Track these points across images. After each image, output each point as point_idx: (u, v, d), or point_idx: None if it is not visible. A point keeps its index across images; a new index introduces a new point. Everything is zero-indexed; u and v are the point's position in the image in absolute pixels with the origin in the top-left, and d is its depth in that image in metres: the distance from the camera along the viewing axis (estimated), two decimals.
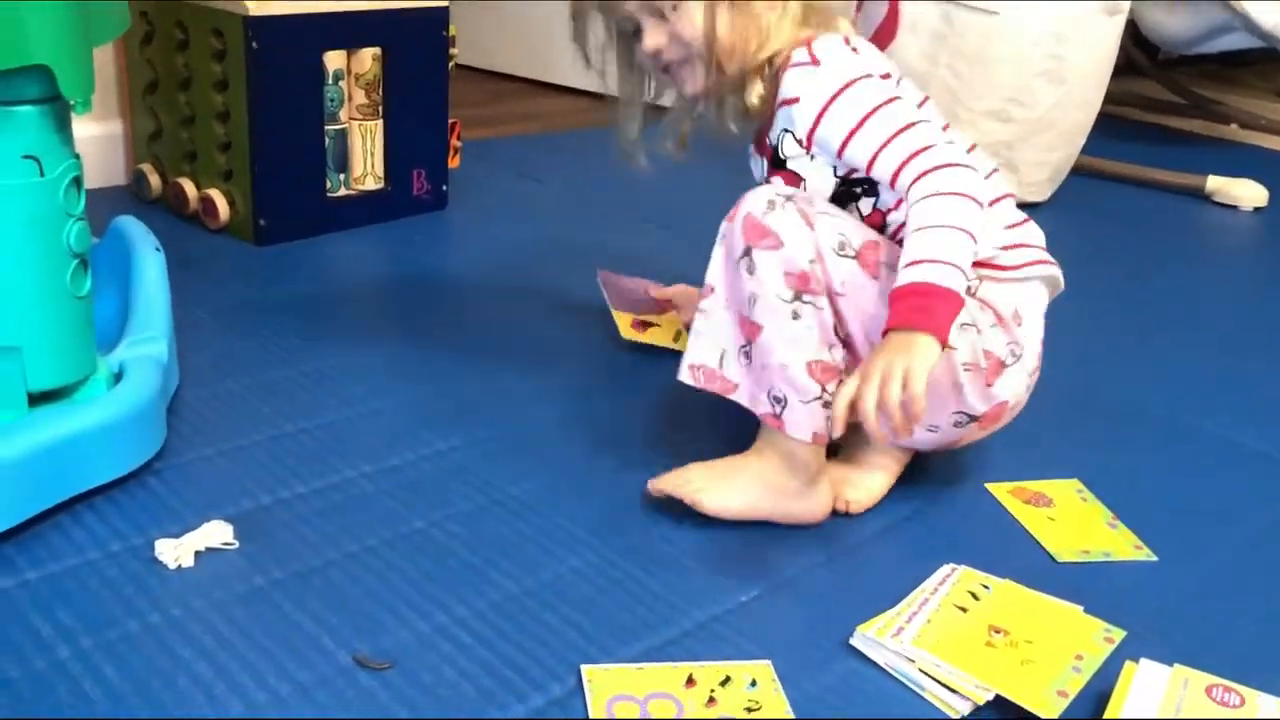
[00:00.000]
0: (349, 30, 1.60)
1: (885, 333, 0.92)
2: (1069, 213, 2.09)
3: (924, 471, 1.11)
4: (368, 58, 1.63)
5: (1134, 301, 1.70)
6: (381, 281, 1.60)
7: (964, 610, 0.91)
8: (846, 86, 1.00)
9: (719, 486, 1.00)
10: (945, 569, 0.97)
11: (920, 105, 1.06)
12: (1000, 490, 1.12)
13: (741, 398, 1.01)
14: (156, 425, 1.04)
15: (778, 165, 1.06)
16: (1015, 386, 1.04)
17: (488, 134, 2.28)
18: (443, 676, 0.81)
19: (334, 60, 1.60)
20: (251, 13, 1.48)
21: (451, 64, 1.77)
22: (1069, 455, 1.20)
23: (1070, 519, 1.08)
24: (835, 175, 1.04)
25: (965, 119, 1.94)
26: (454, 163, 1.88)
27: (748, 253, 0.97)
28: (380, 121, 1.68)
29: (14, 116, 0.91)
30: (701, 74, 1.05)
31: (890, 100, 1.00)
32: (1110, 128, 2.44)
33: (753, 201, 0.98)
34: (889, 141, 0.98)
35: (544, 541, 0.98)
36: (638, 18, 1.04)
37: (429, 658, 0.83)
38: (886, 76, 1.04)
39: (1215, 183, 2.22)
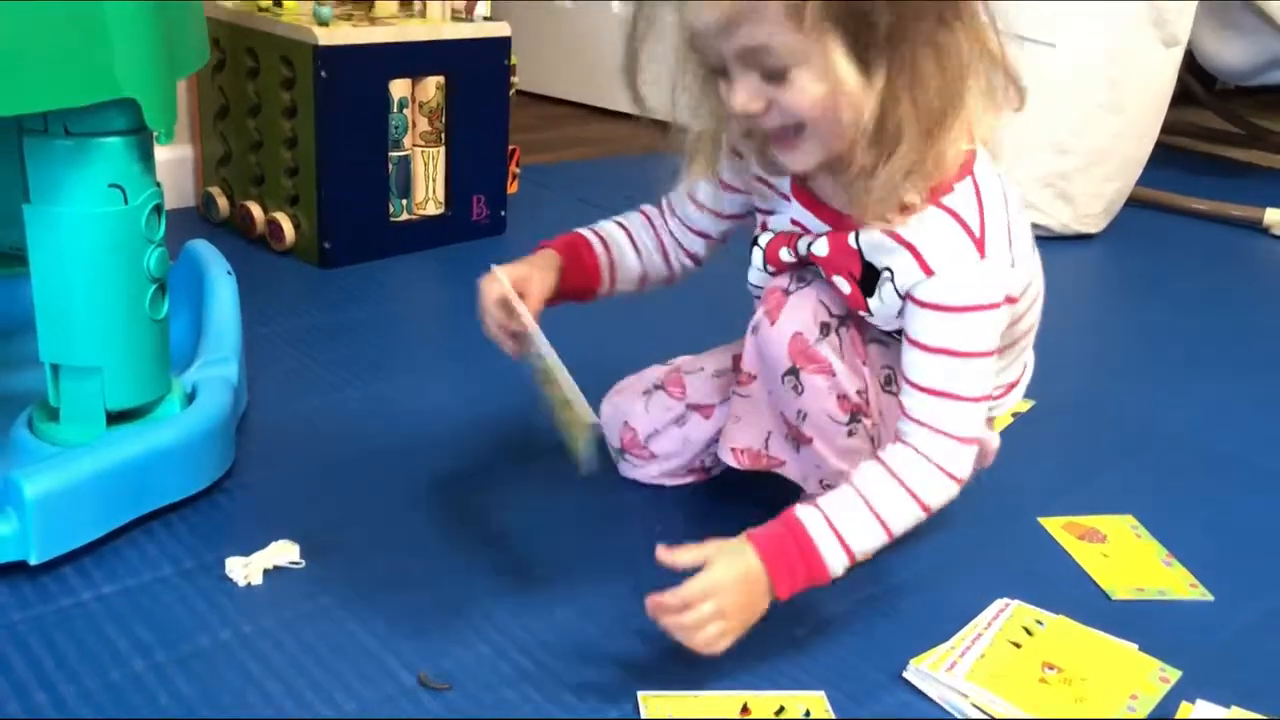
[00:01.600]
0: (414, 59, 1.64)
1: (752, 534, 0.84)
2: (1124, 244, 2.09)
3: (977, 505, 1.11)
4: (431, 86, 1.67)
5: (1190, 336, 1.69)
6: (443, 305, 1.63)
7: (1018, 646, 0.91)
8: (982, 309, 0.84)
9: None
10: (999, 604, 0.97)
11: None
12: (1053, 525, 1.12)
13: (790, 474, 1.00)
14: (227, 445, 1.08)
15: (864, 286, 0.89)
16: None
17: (545, 159, 2.31)
18: (502, 698, 0.83)
19: (399, 88, 1.64)
20: (321, 42, 1.52)
21: (512, 91, 1.80)
22: (1123, 491, 1.20)
23: (1124, 555, 1.08)
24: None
25: (1025, 150, 1.94)
26: (512, 188, 1.91)
27: (794, 372, 0.92)
28: (442, 148, 1.72)
29: (102, 147, 0.94)
30: (816, 153, 0.83)
31: (989, 354, 0.86)
32: (1167, 158, 2.42)
33: (801, 317, 0.91)
34: (944, 395, 0.85)
35: (603, 567, 1.00)
36: (727, 65, 0.81)
37: (489, 678, 0.85)
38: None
39: (1274, 216, 2.20)
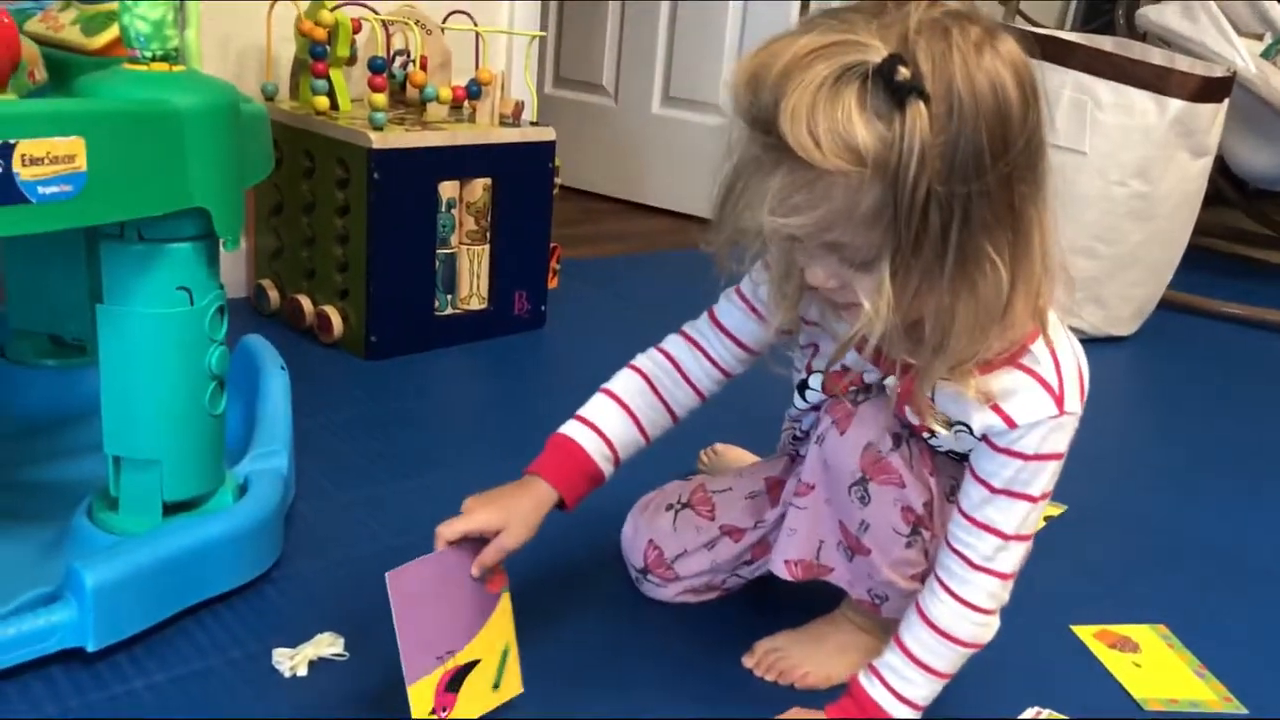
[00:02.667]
0: (463, 162, 1.70)
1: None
2: (1155, 348, 2.11)
3: (1009, 612, 1.12)
4: (479, 187, 1.74)
5: (1222, 442, 1.70)
6: (485, 398, 1.67)
7: None
8: (1054, 458, 0.87)
9: (818, 661, 1.02)
10: (1031, 711, 0.98)
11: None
12: (1085, 633, 1.13)
13: (838, 580, 1.00)
14: (276, 536, 1.11)
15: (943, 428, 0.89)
16: None
17: (584, 253, 2.37)
18: None
19: (448, 190, 1.71)
20: (375, 145, 1.59)
21: (555, 191, 1.86)
22: (1155, 599, 1.21)
23: (1157, 666, 1.08)
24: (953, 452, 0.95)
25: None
26: (553, 283, 1.96)
27: (862, 483, 0.93)
28: (487, 246, 1.78)
29: (172, 253, 1.00)
30: (887, 339, 0.81)
31: (1047, 497, 0.89)
32: (1198, 259, 2.45)
33: (872, 427, 0.92)
34: (999, 534, 0.88)
35: (651, 676, 1.02)
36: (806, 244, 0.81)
37: None
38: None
39: None
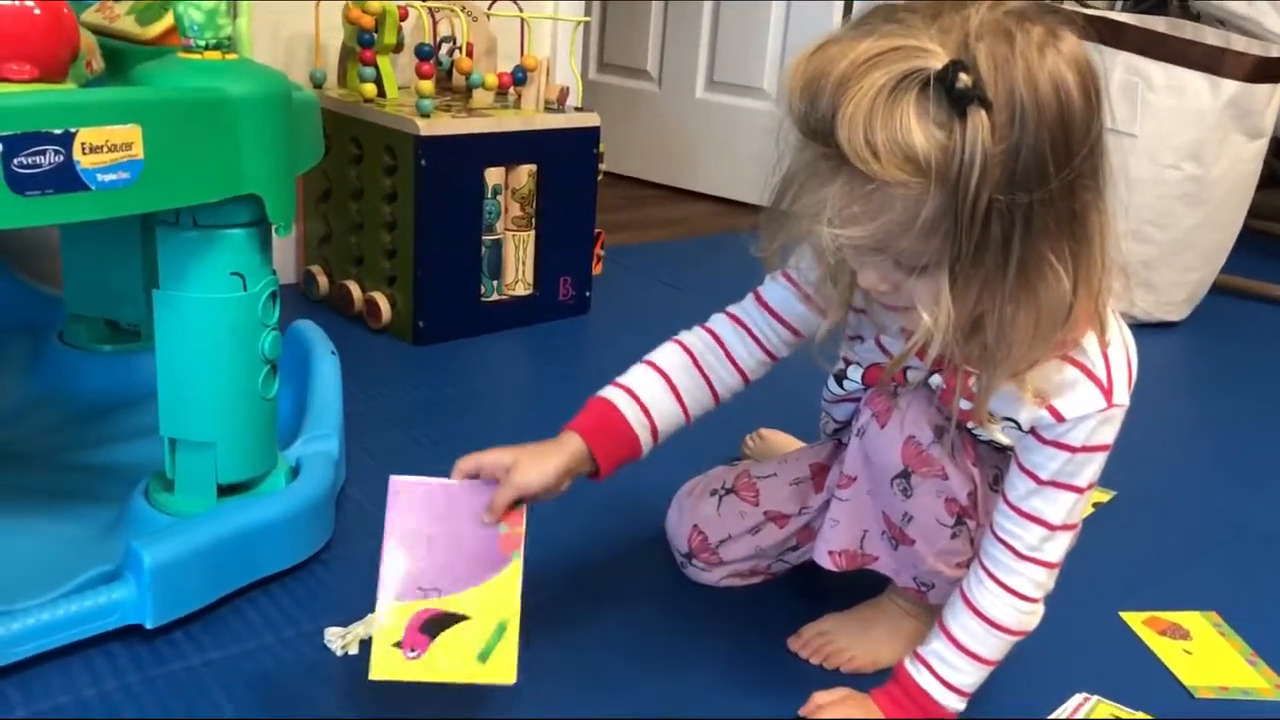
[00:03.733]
0: (508, 149, 1.71)
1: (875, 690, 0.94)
2: (1207, 332, 2.08)
3: (1057, 598, 1.11)
4: (524, 174, 1.75)
5: (1274, 428, 1.67)
6: (530, 382, 1.68)
7: None
8: (1102, 450, 0.86)
9: (866, 646, 1.02)
10: (1079, 698, 0.98)
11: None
12: (1134, 619, 1.12)
13: (883, 569, 1.00)
14: (327, 518, 1.13)
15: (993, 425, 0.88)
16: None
17: (629, 239, 2.38)
18: None
19: (493, 176, 1.72)
20: (422, 132, 1.60)
21: (600, 177, 1.87)
22: (1206, 586, 1.19)
23: (1208, 653, 1.07)
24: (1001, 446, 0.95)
25: None
26: (597, 269, 1.97)
27: (905, 475, 0.93)
28: (532, 232, 1.79)
29: (225, 238, 1.01)
30: (948, 349, 0.79)
31: (1093, 488, 0.89)
32: (1252, 242, 2.41)
33: (914, 420, 0.92)
34: (1044, 525, 0.87)
35: (697, 660, 1.03)
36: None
37: None
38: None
39: None
